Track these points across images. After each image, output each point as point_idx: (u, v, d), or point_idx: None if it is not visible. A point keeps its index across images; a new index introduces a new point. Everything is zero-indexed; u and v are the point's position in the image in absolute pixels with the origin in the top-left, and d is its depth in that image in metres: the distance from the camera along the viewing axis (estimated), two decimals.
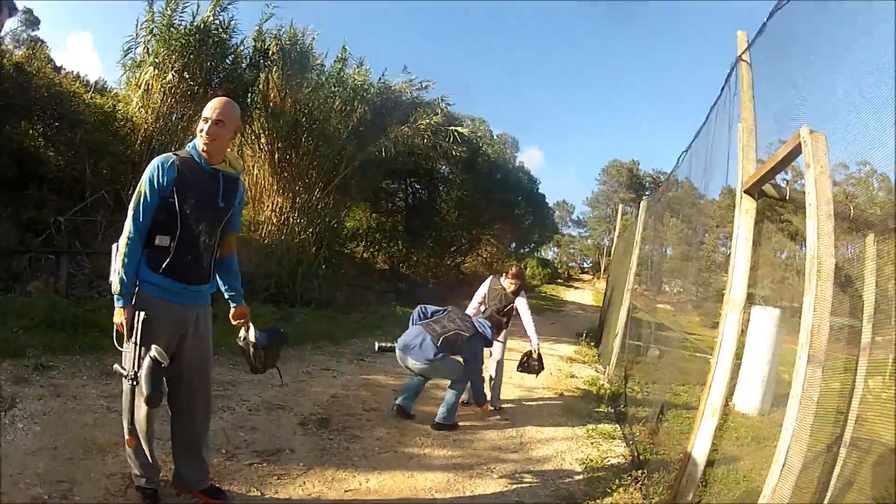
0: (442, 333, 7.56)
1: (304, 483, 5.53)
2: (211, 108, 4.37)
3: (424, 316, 8.09)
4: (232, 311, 4.99)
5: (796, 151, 3.89)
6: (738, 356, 12.71)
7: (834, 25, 4.35)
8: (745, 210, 5.24)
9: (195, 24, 15.55)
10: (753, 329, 12.55)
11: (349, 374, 10.13)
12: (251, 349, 4.95)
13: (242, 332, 5.01)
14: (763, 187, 5.07)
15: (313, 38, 19.82)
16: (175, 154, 4.37)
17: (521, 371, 9.45)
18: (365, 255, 29.04)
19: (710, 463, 6.47)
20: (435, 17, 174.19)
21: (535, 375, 9.62)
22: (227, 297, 4.94)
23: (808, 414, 3.30)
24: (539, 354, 9.30)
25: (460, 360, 7.87)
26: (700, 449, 5.18)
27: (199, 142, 4.38)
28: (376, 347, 8.20)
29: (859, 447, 4.63)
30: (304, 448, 6.36)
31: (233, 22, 16.79)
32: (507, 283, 9.40)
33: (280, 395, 8.04)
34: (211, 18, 16.22)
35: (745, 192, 5.21)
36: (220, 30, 16.50)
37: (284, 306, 15.41)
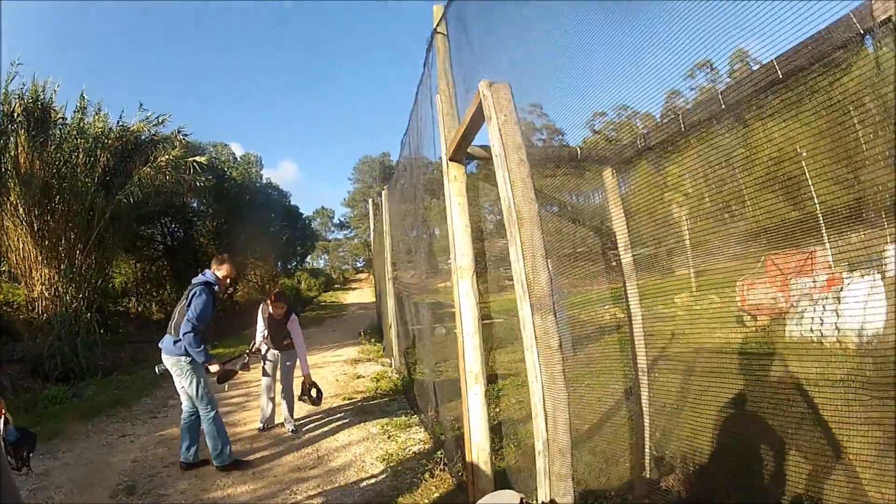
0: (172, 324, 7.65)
1: None
2: None
3: None
4: None
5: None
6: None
7: None
8: (454, 177, 5.29)
9: None
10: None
11: (145, 434, 9.99)
12: (3, 444, 4.50)
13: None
14: (470, 150, 5.09)
15: (54, 91, 18.86)
16: None
17: (302, 400, 9.36)
18: (139, 308, 28.18)
19: (525, 419, 6.54)
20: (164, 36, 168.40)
21: (317, 405, 9.60)
22: None
23: (552, 361, 3.26)
24: (312, 382, 9.33)
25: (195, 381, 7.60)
26: (476, 417, 5.21)
27: None
28: (157, 371, 7.97)
29: (668, 366, 4.76)
30: None
31: None
32: (274, 309, 9.40)
33: (88, 474, 7.93)
34: None
35: (450, 159, 5.26)
36: None
37: (74, 382, 14.81)
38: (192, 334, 7.32)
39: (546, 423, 3.25)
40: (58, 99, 18.93)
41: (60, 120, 18.93)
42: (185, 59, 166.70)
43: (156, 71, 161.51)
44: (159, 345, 7.70)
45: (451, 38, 5.63)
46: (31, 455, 4.93)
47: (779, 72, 3.00)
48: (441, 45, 5.63)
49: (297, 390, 9.51)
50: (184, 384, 7.52)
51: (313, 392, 9.24)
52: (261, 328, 9.57)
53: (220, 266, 7.99)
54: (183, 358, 7.36)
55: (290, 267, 52.41)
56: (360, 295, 57.34)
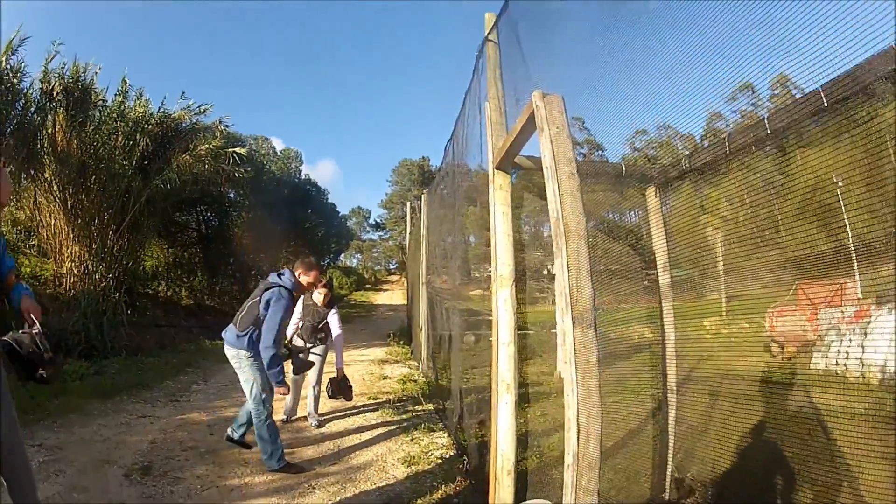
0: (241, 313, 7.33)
1: None
2: None
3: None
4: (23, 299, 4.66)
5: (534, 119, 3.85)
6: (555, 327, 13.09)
7: None
8: (499, 186, 5.27)
9: None
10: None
11: (165, 416, 9.91)
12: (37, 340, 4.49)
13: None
14: (517, 160, 5.11)
15: (95, 73, 18.90)
16: None
17: (333, 398, 9.22)
18: (168, 293, 27.97)
19: (545, 432, 6.57)
20: (218, 28, 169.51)
21: (350, 400, 9.54)
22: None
23: (589, 376, 3.24)
24: (344, 376, 9.18)
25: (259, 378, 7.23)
26: (504, 426, 5.16)
27: None
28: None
29: (695, 388, 4.80)
30: (133, 498, 6.33)
31: (22, 64, 16.34)
32: (318, 297, 9.41)
33: (104, 450, 7.84)
34: (3, 64, 15.71)
35: (496, 167, 5.25)
36: (11, 74, 15.97)
37: (97, 360, 14.76)
38: (272, 353, 6.95)
39: (578, 437, 3.23)
40: (99, 82, 19.06)
41: (100, 102, 19.01)
42: (232, 50, 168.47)
43: (203, 60, 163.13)
44: (222, 334, 7.34)
45: (501, 47, 5.64)
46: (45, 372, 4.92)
47: (824, 100, 3.03)
48: (492, 53, 5.66)
49: (322, 384, 9.47)
50: (241, 379, 7.25)
51: (346, 387, 9.15)
52: (296, 318, 9.42)
53: (307, 272, 7.53)
54: (243, 352, 7.07)
55: (323, 263, 52.48)
56: (391, 297, 57.14)
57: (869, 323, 4.75)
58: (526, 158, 5.15)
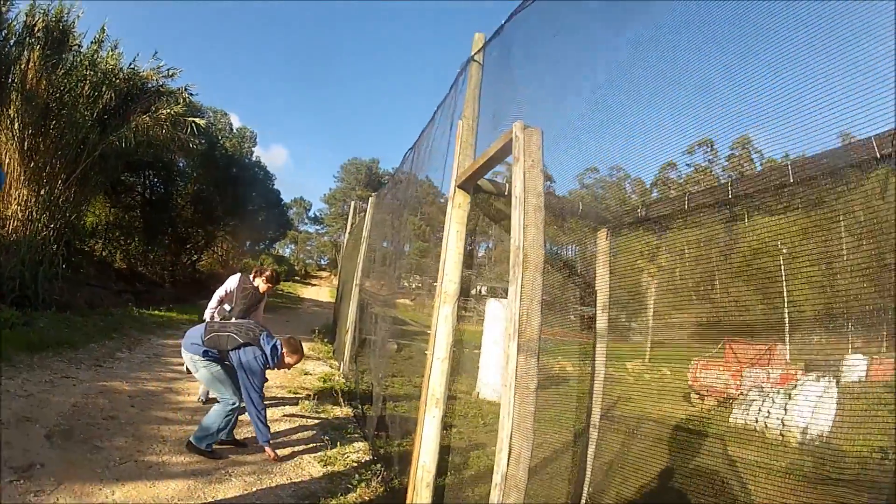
0: (212, 331, 7.33)
1: (58, 499, 5.49)
2: None
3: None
4: None
5: (509, 147, 3.95)
6: (480, 347, 13.15)
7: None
8: (458, 204, 5.34)
9: None
10: (490, 321, 12.97)
11: (88, 380, 9.77)
12: None
13: None
14: (479, 182, 5.20)
15: (77, 16, 18.55)
16: None
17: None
18: (104, 252, 27.68)
19: (464, 449, 6.63)
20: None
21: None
22: None
23: (526, 401, 3.33)
24: None
25: (228, 377, 7.37)
26: (429, 439, 5.23)
27: None
28: (185, 370, 8.05)
29: (614, 426, 4.91)
30: (53, 462, 6.23)
31: None
32: (261, 284, 9.45)
33: (27, 407, 7.71)
34: None
35: (458, 186, 5.32)
36: (2, 2, 15.71)
37: (28, 310, 14.59)
38: (260, 414, 7.10)
39: (509, 458, 3.31)
40: (79, 26, 18.70)
41: (76, 47, 18.72)
42: (204, 18, 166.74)
43: (174, 22, 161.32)
44: (185, 336, 7.42)
45: (486, 69, 5.70)
46: None
47: (791, 176, 3.18)
48: (475, 73, 5.71)
49: None
50: (202, 378, 7.43)
51: None
52: (220, 296, 9.46)
53: (291, 354, 7.47)
54: (198, 358, 7.21)
55: (257, 248, 52.14)
56: (318, 292, 57.01)
57: (794, 387, 4.92)
58: (489, 182, 5.25)
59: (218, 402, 7.36)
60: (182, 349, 7.37)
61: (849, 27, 2.57)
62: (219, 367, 7.29)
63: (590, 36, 4.54)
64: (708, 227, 4.15)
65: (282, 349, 7.36)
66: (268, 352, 7.20)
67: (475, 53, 5.76)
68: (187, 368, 7.67)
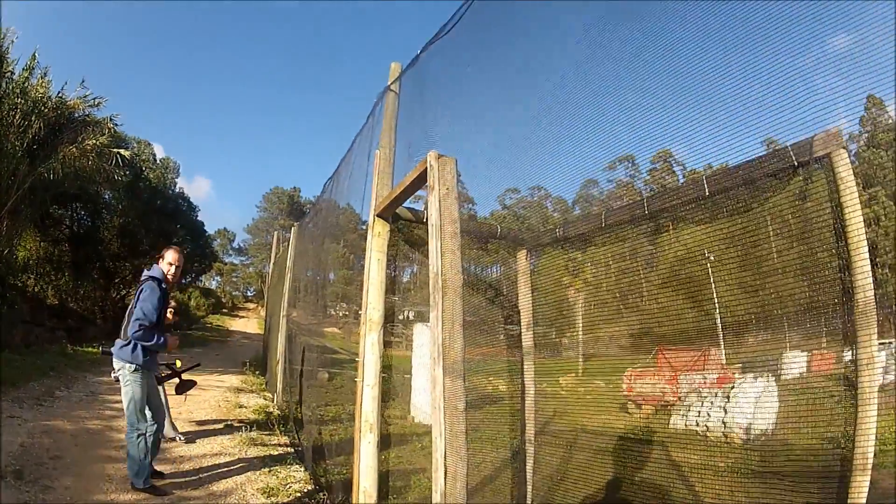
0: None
1: None
2: None
3: None
4: None
5: (425, 176, 3.99)
6: (410, 371, 13.11)
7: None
8: (378, 233, 5.42)
9: None
10: (418, 345, 12.94)
11: (31, 420, 9.73)
12: None
13: None
14: (398, 211, 5.25)
15: (12, 42, 18.47)
16: None
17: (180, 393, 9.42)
18: (36, 288, 27.16)
19: (403, 473, 6.59)
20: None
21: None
22: None
23: (457, 421, 3.41)
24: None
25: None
26: (367, 465, 5.32)
27: None
28: (112, 377, 7.69)
29: (551, 441, 4.88)
30: (10, 500, 6.27)
31: None
32: (168, 314, 9.22)
33: None
34: None
35: (377, 215, 5.39)
36: None
37: None
38: (140, 330, 6.97)
39: (446, 477, 3.36)
40: (13, 52, 18.62)
41: (9, 73, 18.45)
42: (129, 44, 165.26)
43: (100, 49, 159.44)
44: (111, 350, 7.28)
45: (402, 98, 5.75)
46: None
47: (706, 189, 3.23)
48: (391, 103, 5.75)
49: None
50: (122, 394, 7.19)
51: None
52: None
53: (162, 257, 7.61)
54: (127, 365, 7.04)
55: (184, 281, 51.64)
56: (246, 324, 56.99)
57: (732, 388, 4.96)
58: (408, 210, 5.29)
59: (127, 436, 7.26)
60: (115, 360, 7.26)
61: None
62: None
63: (507, 59, 4.56)
64: (632, 239, 4.20)
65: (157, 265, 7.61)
66: (150, 273, 7.44)
67: (391, 83, 5.82)
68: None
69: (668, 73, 3.13)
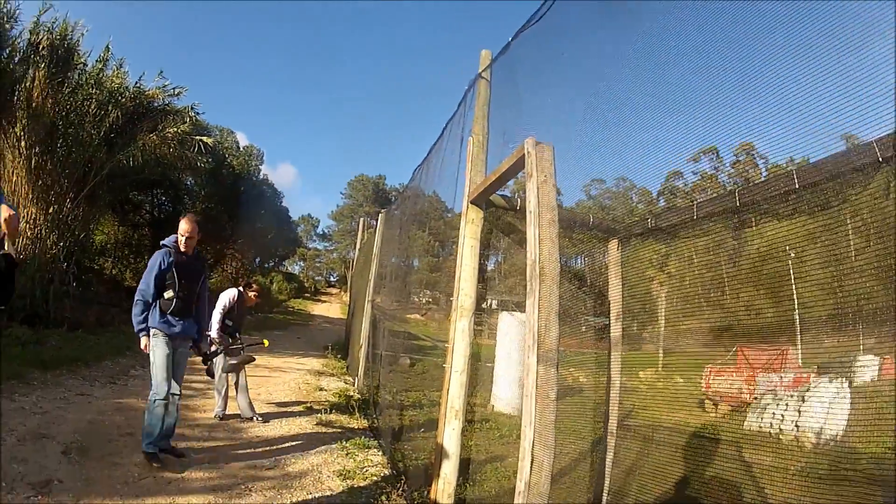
0: None
1: None
2: None
3: None
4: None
5: (521, 163, 4.01)
6: (492, 360, 13.14)
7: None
8: (471, 220, 5.43)
9: None
10: (502, 334, 12.96)
11: (103, 398, 9.87)
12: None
13: None
14: (491, 198, 5.27)
15: (82, 34, 18.75)
16: None
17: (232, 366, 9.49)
18: (113, 271, 27.72)
19: (481, 462, 6.62)
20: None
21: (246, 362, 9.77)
22: None
23: (547, 411, 3.38)
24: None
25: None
26: (449, 451, 5.29)
27: None
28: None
29: (630, 434, 4.91)
30: (71, 478, 6.18)
31: (17, 12, 16.31)
32: (252, 296, 9.86)
33: (43, 424, 7.78)
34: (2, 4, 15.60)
35: (471, 202, 5.41)
36: (5, 19, 15.95)
37: (39, 329, 14.62)
38: (135, 305, 7.16)
39: (532, 467, 3.33)
40: (84, 45, 18.96)
41: (81, 65, 18.82)
42: (219, 40, 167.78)
43: (181, 41, 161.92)
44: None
45: (494, 86, 5.75)
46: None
47: (796, 182, 3.19)
48: (483, 90, 5.76)
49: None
50: None
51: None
52: (219, 315, 9.62)
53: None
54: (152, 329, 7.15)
55: (266, 266, 52.15)
56: (328, 309, 56.78)
57: (808, 390, 4.92)
58: (501, 198, 5.29)
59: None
60: None
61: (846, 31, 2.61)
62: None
63: (594, 50, 4.57)
64: (716, 233, 4.16)
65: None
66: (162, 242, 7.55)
67: (482, 70, 5.82)
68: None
69: (751, 62, 3.16)
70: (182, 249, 7.41)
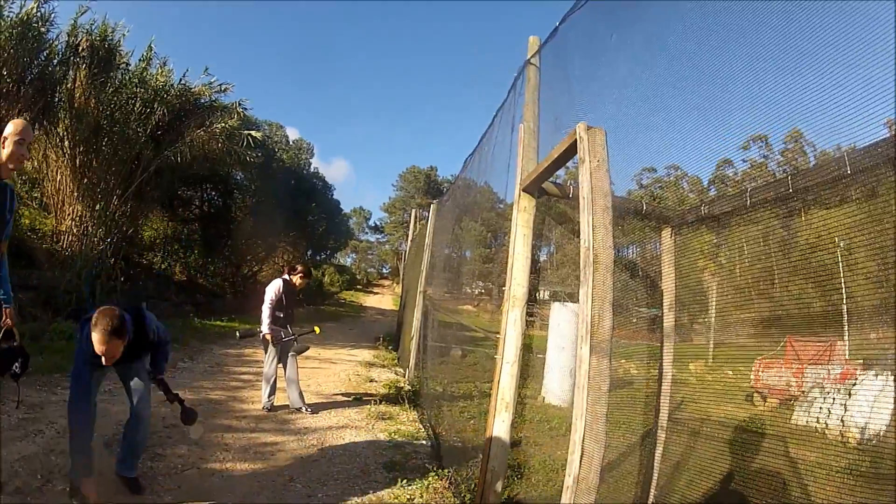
0: None
1: None
2: (29, 132, 4.48)
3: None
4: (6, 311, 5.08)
5: (573, 149, 3.99)
6: (543, 351, 13.11)
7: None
8: (524, 208, 5.38)
9: (19, 16, 15.29)
10: (554, 325, 12.94)
11: None
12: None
13: None
14: (543, 185, 5.24)
15: (123, 35, 19.11)
16: None
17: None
18: (162, 266, 27.93)
19: (530, 455, 6.63)
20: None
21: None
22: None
23: (598, 403, 3.36)
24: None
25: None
26: (498, 443, 5.29)
27: (10, 159, 4.45)
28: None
29: (680, 429, 4.92)
30: (112, 470, 6.11)
31: (52, 14, 16.42)
32: (298, 280, 9.82)
33: None
34: (35, 10, 15.76)
35: (523, 190, 5.37)
36: (41, 23, 16.06)
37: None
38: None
39: (581, 461, 3.32)
40: (125, 45, 19.26)
41: (124, 65, 19.21)
42: (266, 38, 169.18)
43: (228, 38, 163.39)
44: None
45: (543, 71, 5.72)
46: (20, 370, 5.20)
47: (848, 168, 3.16)
48: (532, 76, 5.72)
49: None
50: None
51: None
52: (270, 312, 9.55)
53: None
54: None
55: (318, 258, 52.46)
56: (380, 300, 57.02)
57: (854, 384, 4.88)
58: (553, 185, 5.29)
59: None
60: None
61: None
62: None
63: (644, 35, 4.50)
64: (765, 222, 4.15)
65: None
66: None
67: (531, 56, 5.80)
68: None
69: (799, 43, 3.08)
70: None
